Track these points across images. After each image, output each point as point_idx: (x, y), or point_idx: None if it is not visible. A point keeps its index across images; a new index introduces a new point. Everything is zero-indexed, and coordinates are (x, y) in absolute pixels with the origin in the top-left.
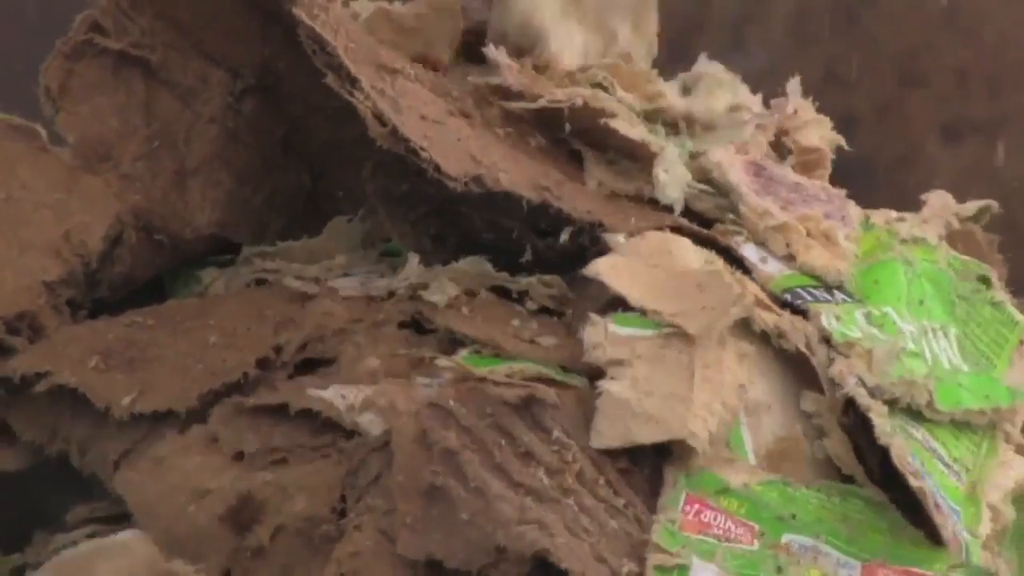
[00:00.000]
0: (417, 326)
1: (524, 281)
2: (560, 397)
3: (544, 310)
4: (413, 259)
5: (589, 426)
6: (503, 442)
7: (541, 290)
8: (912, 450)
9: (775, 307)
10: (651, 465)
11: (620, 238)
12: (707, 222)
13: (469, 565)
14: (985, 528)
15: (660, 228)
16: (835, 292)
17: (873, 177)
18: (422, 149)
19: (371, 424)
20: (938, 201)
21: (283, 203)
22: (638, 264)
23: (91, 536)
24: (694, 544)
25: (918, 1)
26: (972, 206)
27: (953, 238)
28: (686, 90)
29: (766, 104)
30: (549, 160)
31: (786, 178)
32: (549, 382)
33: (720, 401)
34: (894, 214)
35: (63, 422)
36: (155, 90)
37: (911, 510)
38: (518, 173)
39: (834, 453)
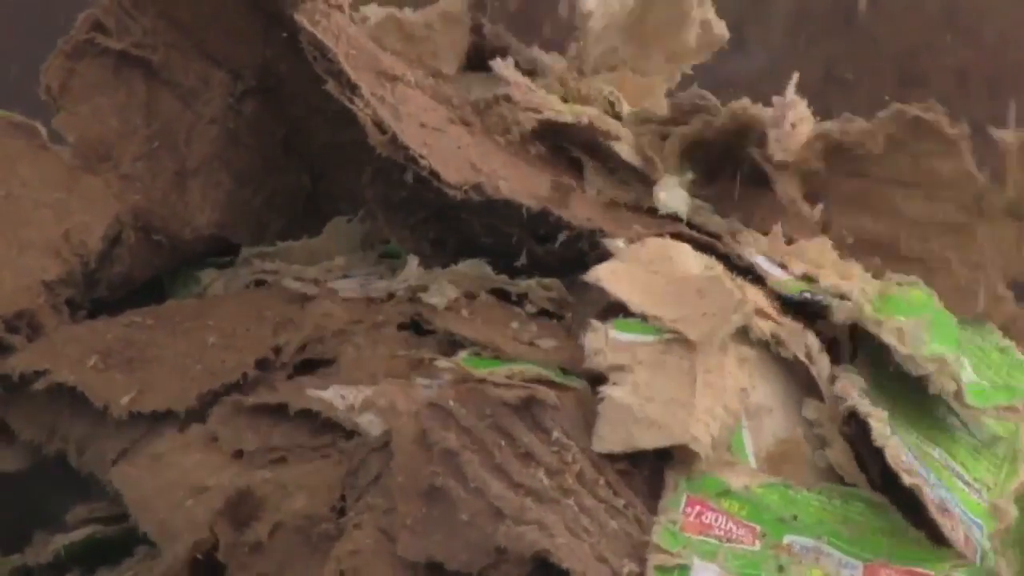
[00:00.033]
0: (416, 328)
1: (523, 284)
2: (560, 398)
3: (543, 313)
4: (412, 261)
5: (589, 427)
6: (503, 443)
7: (540, 293)
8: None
9: (775, 315)
10: (651, 467)
11: (620, 243)
12: (708, 235)
13: (470, 567)
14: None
15: (660, 235)
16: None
17: None
18: (421, 157)
19: (371, 424)
20: None
21: (283, 204)
22: (638, 270)
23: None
24: (695, 545)
25: (918, 1)
26: None
27: None
28: None
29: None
30: (549, 168)
31: None
32: (549, 384)
33: (722, 405)
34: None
35: (62, 421)
36: (156, 90)
37: (912, 513)
38: (518, 181)
39: (836, 462)
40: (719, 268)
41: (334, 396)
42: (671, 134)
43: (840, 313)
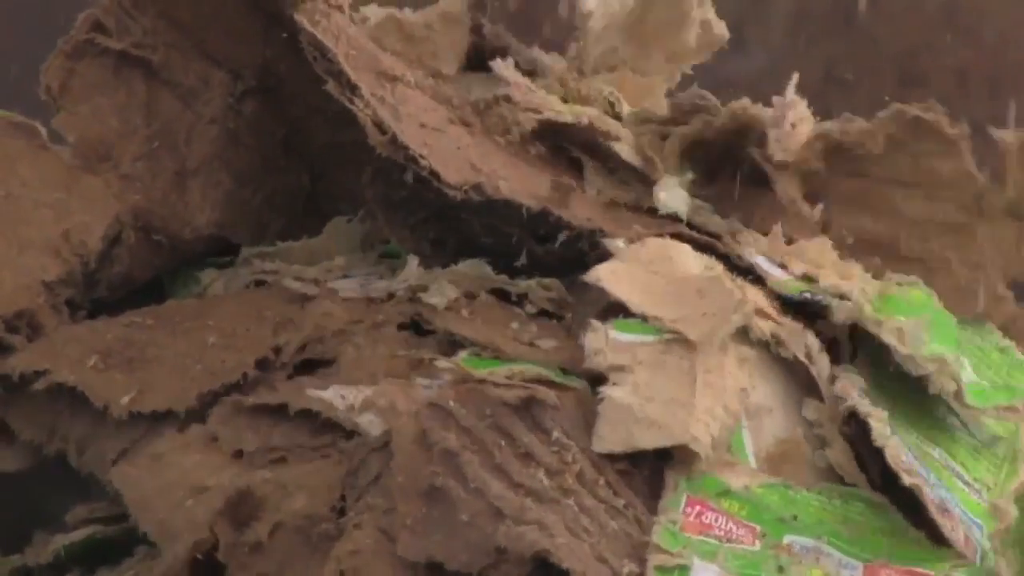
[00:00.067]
0: (416, 328)
1: (523, 284)
2: (560, 398)
3: (543, 313)
4: (412, 261)
5: (589, 427)
6: (503, 443)
7: (540, 293)
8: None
9: (775, 315)
10: (651, 467)
11: (620, 243)
12: (708, 235)
13: (470, 567)
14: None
15: (660, 235)
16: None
17: None
18: (421, 157)
19: (371, 424)
20: None
21: (283, 204)
22: (638, 270)
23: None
24: (695, 545)
25: (918, 1)
26: None
27: None
28: None
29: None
30: (549, 168)
31: None
32: (549, 384)
33: (722, 405)
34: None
35: (61, 421)
36: (156, 90)
37: (912, 513)
38: (518, 181)
39: (836, 462)
40: (719, 268)
41: (334, 396)
42: (671, 134)
43: (840, 313)
